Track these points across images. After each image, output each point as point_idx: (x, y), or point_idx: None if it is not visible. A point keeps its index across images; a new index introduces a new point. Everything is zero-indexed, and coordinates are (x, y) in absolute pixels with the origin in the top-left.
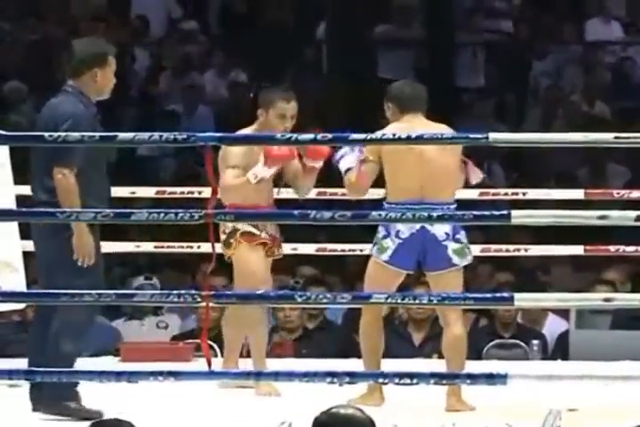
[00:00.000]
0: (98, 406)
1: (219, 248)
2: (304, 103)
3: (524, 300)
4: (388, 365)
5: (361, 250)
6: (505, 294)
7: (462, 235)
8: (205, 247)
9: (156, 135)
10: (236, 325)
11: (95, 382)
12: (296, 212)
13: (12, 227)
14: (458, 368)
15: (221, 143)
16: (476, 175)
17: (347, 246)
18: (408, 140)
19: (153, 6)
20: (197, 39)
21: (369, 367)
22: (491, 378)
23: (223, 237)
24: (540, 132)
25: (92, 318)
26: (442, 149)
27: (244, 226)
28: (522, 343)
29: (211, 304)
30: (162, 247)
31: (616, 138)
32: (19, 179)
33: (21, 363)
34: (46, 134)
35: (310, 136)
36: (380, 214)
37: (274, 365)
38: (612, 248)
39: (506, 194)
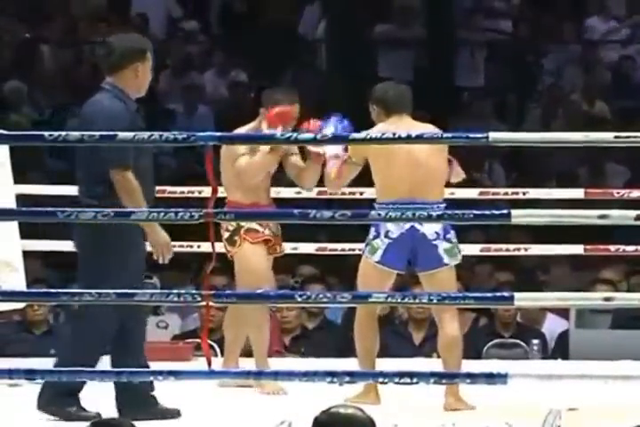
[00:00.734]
0: (98, 405)
1: (219, 248)
2: (304, 103)
3: (523, 299)
4: (388, 364)
5: (361, 249)
6: (505, 294)
7: (452, 234)
8: (205, 247)
9: (155, 135)
10: (237, 324)
11: (96, 381)
12: (296, 211)
13: (12, 226)
14: (454, 368)
15: (221, 143)
16: (458, 175)
17: (347, 246)
18: (407, 139)
19: (153, 6)
20: (197, 39)
21: (364, 367)
22: (491, 378)
23: (226, 234)
24: (540, 131)
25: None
26: (430, 149)
27: (248, 223)
28: (522, 343)
29: (212, 304)
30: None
31: (616, 137)
32: (18, 178)
33: (21, 362)
34: (46, 134)
35: (310, 135)
36: (379, 214)
37: (273, 364)
38: (612, 248)
39: (506, 193)
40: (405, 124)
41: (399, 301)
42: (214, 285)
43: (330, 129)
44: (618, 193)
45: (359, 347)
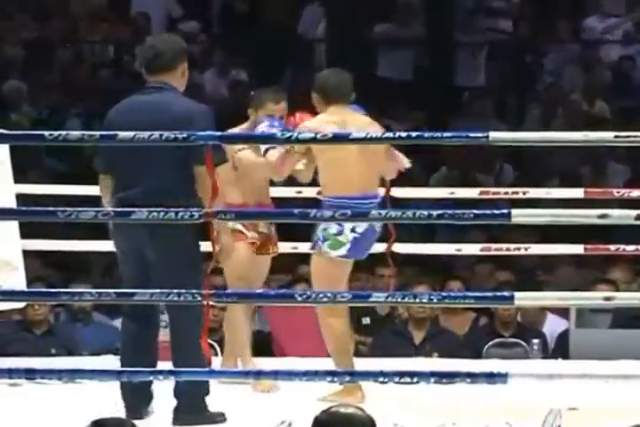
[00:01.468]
0: (101, 404)
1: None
2: (303, 102)
3: (524, 299)
4: (389, 364)
5: None
6: (505, 293)
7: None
8: (205, 246)
9: (156, 134)
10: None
11: (96, 380)
12: (296, 211)
13: (13, 226)
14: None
15: (221, 142)
16: (403, 162)
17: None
18: (407, 139)
19: (153, 5)
20: (198, 38)
21: (342, 368)
22: (491, 377)
23: (215, 233)
24: (541, 131)
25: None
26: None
27: (234, 224)
28: (522, 342)
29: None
30: None
31: (616, 137)
32: (19, 177)
33: (22, 362)
34: (46, 133)
35: (311, 135)
36: (380, 213)
37: (274, 364)
38: (613, 247)
39: (506, 193)
40: (349, 117)
41: (399, 300)
42: (214, 284)
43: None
44: (618, 192)
45: (335, 349)
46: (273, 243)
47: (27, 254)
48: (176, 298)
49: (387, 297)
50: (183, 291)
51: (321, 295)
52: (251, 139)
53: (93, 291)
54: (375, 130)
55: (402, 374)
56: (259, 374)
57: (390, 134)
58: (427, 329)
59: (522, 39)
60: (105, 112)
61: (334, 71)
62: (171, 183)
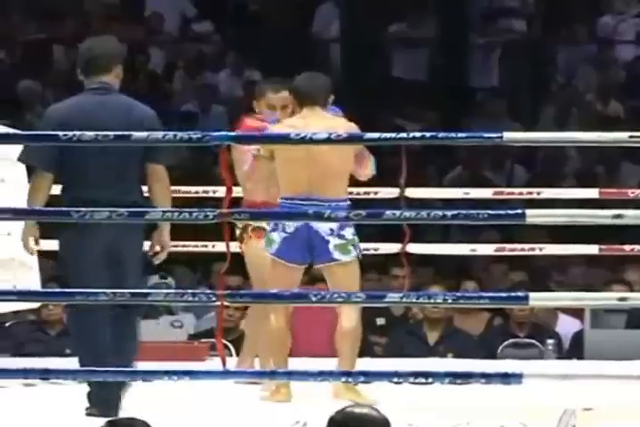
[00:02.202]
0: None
1: (233, 247)
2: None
3: (538, 299)
4: (403, 364)
5: (375, 249)
6: (520, 294)
7: (349, 231)
8: (220, 246)
9: (170, 134)
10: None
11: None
12: (311, 211)
13: None
14: (348, 360)
15: (235, 142)
16: (369, 168)
17: (362, 245)
18: (419, 139)
19: (167, 5)
20: (211, 39)
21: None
22: (505, 377)
23: (237, 232)
24: (555, 131)
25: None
26: (331, 146)
27: (256, 222)
28: (537, 343)
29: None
30: (176, 246)
31: (630, 137)
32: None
33: (37, 362)
34: (61, 133)
35: (324, 135)
36: (394, 213)
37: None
38: (627, 248)
39: (520, 193)
40: (314, 119)
41: (414, 301)
42: (229, 284)
43: None
44: (632, 193)
45: (273, 349)
46: None
47: (41, 254)
48: (191, 298)
49: (401, 297)
50: (198, 291)
51: (335, 296)
52: (264, 139)
53: (108, 291)
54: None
55: (416, 375)
56: (273, 375)
57: (404, 135)
58: (441, 329)
59: (535, 39)
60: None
61: (309, 75)
62: (135, 183)
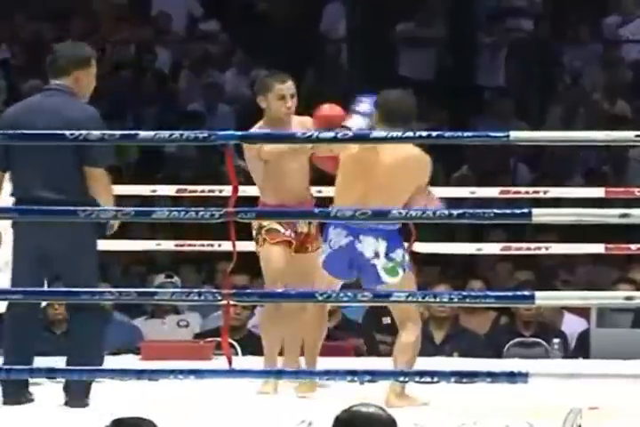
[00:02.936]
0: (119, 404)
1: (239, 246)
2: (325, 102)
3: (545, 298)
4: None
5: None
6: (526, 293)
7: (399, 253)
8: (226, 246)
9: (176, 134)
10: (273, 323)
11: (116, 379)
12: (317, 210)
13: None
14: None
15: (242, 142)
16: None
17: None
18: (431, 138)
19: (174, 5)
20: (218, 38)
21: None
22: (512, 376)
23: (253, 232)
24: (562, 130)
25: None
26: (397, 170)
27: (270, 223)
28: (543, 342)
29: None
30: (183, 246)
31: (637, 136)
32: None
33: (42, 361)
34: (67, 133)
35: (331, 134)
36: (400, 212)
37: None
38: (633, 247)
39: (527, 192)
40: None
41: (420, 300)
42: (235, 284)
43: (354, 121)
44: (639, 192)
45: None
46: (312, 241)
47: None
48: (197, 297)
49: (407, 296)
50: (204, 290)
51: (341, 295)
52: (271, 138)
53: (114, 290)
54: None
55: (422, 374)
56: (280, 374)
57: (411, 134)
58: (447, 328)
59: (543, 39)
60: (126, 112)
61: (402, 94)
62: (77, 183)
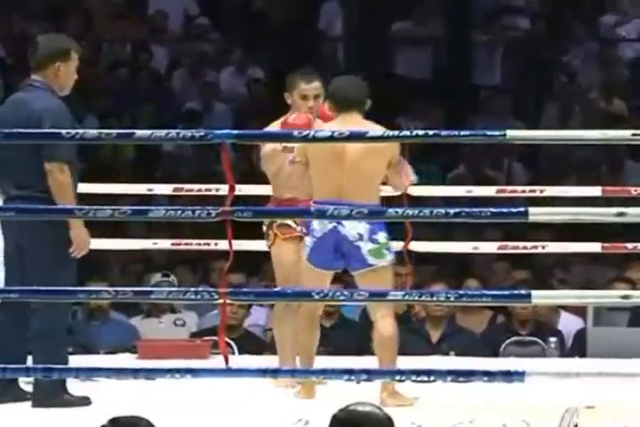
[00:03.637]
0: (115, 403)
1: (236, 245)
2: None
3: (541, 297)
4: (406, 362)
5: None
6: (522, 291)
7: (381, 235)
8: (222, 244)
9: (173, 133)
10: (283, 322)
11: (112, 379)
12: (313, 208)
13: None
14: (388, 367)
15: (239, 141)
16: (407, 176)
17: None
18: (427, 137)
19: (171, 3)
20: (215, 36)
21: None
22: (508, 375)
23: (264, 228)
24: (558, 129)
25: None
26: (364, 151)
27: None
28: (539, 341)
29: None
30: (179, 244)
31: (633, 135)
32: None
33: None
34: (63, 131)
35: (327, 133)
36: (396, 211)
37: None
38: (630, 245)
39: (523, 191)
40: (351, 125)
41: (416, 299)
42: (231, 282)
43: None
44: (635, 191)
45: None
46: None
47: None
48: (193, 296)
49: (404, 295)
50: (200, 289)
51: (338, 294)
52: (267, 137)
53: (110, 289)
54: None
55: (419, 373)
56: (276, 373)
57: (407, 133)
58: (444, 327)
59: (539, 37)
60: (123, 111)
61: (348, 79)
62: (37, 179)
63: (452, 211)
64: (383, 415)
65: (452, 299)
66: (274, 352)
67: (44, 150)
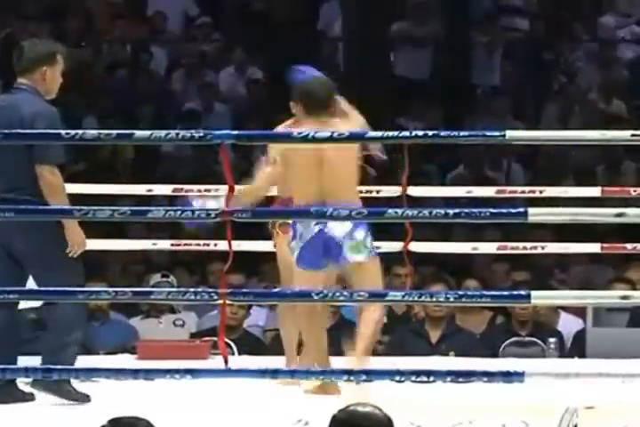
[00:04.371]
0: (115, 403)
1: (235, 246)
2: None
3: (540, 298)
4: (405, 362)
5: (377, 247)
6: (522, 292)
7: (361, 232)
8: (222, 245)
9: (172, 133)
10: (288, 322)
11: (112, 379)
12: (313, 209)
13: None
14: (365, 343)
15: (238, 141)
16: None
17: None
18: (427, 137)
19: (170, 4)
20: (214, 37)
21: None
22: (508, 376)
23: (269, 227)
24: (557, 129)
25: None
26: (342, 151)
27: None
28: (539, 341)
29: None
30: (179, 245)
31: (633, 135)
32: None
33: (38, 361)
34: (63, 132)
35: (327, 133)
36: (396, 212)
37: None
38: (629, 246)
39: (523, 192)
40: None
41: (416, 299)
42: (230, 283)
43: None
44: (635, 191)
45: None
46: None
47: None
48: (193, 297)
49: (403, 296)
50: (200, 289)
51: (337, 294)
52: (266, 138)
53: (110, 290)
54: None
55: (418, 373)
56: (275, 373)
57: (407, 133)
58: (443, 328)
59: (538, 38)
60: (121, 111)
61: (317, 80)
62: (29, 181)
63: (451, 211)
64: (383, 416)
65: (452, 299)
66: (274, 353)
67: (34, 153)
